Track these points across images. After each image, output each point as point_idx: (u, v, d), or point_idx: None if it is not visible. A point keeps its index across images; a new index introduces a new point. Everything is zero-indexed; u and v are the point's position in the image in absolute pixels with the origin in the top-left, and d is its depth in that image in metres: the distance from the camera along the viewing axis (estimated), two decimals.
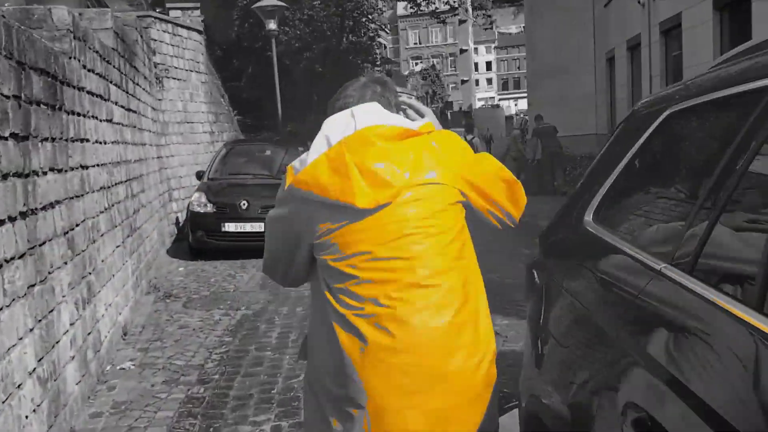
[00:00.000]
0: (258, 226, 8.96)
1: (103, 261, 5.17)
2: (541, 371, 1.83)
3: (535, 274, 2.07)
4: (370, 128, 1.60)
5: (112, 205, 5.80)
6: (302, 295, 7.00)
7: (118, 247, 5.88)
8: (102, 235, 5.23)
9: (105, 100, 5.73)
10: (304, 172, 1.62)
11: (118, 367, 4.96)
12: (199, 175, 10.19)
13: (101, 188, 5.32)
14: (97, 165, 5.24)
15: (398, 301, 1.53)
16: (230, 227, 9.00)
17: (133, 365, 5.00)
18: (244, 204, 9.05)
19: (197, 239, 9.11)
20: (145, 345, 5.51)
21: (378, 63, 29.74)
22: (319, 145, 1.63)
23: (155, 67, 10.02)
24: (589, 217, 1.82)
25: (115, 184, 6.01)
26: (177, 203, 10.79)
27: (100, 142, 5.42)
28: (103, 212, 5.32)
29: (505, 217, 1.77)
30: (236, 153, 10.76)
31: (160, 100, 10.12)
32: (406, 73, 60.15)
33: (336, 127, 1.63)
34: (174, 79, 10.82)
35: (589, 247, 1.73)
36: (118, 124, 6.34)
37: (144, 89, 8.49)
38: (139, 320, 6.24)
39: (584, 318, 1.58)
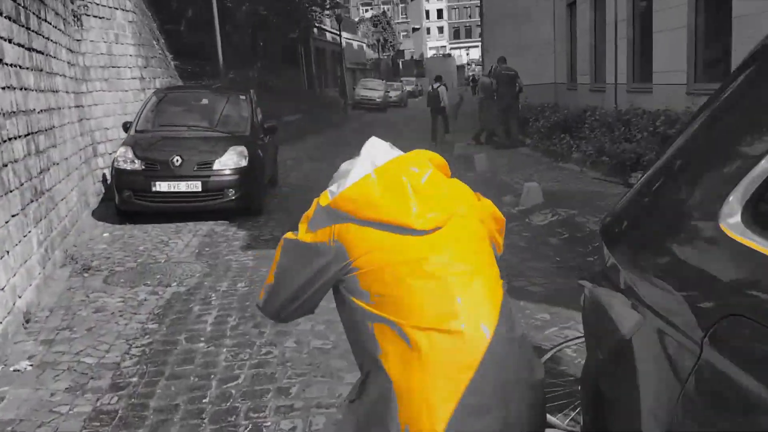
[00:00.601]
0: (194, 185, 7.96)
1: None
2: None
3: (613, 306, 1.22)
4: (423, 151, 1.63)
5: (4, 165, 4.72)
6: (244, 266, 6.11)
7: (14, 216, 4.83)
8: None
9: None
10: (348, 191, 1.54)
11: (11, 369, 4.00)
12: (126, 127, 9.00)
13: None
14: None
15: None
16: (162, 186, 7.91)
17: (31, 365, 4.04)
18: (177, 160, 7.96)
19: (124, 200, 8.01)
20: (50, 335, 4.54)
21: (327, 6, 28.20)
22: (363, 167, 1.59)
23: (72, 2, 8.67)
24: (734, 218, 0.97)
25: (9, 139, 4.92)
26: (103, 158, 9.59)
27: None
28: None
29: (498, 251, 1.76)
30: (169, 101, 9.55)
31: (78, 41, 8.81)
32: (357, 19, 58.17)
33: (380, 149, 1.63)
34: (95, 17, 9.45)
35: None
36: (12, 65, 5.19)
37: (56, 27, 7.24)
38: (47, 301, 5.24)
39: None
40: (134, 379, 3.80)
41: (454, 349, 1.43)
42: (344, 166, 1.66)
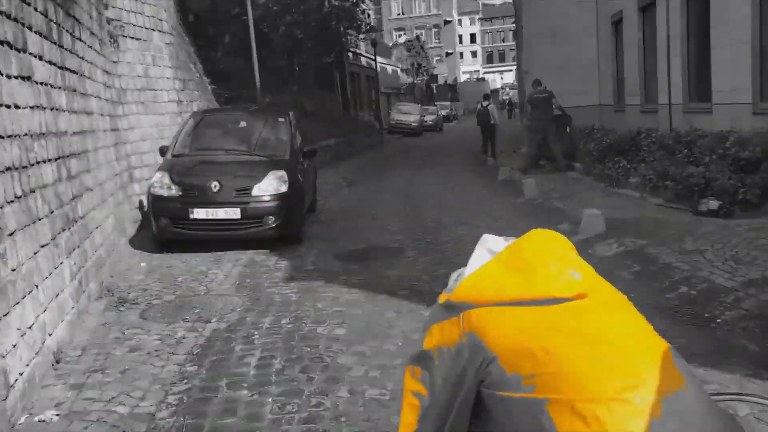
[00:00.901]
0: (233, 212, 7.58)
1: (13, 270, 3.77)
2: None
3: None
4: (542, 230, 1.47)
5: (32, 191, 4.37)
6: (288, 300, 5.67)
7: (44, 246, 4.47)
8: (11, 235, 3.82)
9: (18, 50, 4.27)
10: (468, 279, 1.39)
11: (36, 419, 3.59)
12: (163, 151, 8.71)
13: (7, 169, 3.89)
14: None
15: None
16: (200, 213, 7.56)
17: (58, 415, 3.62)
18: (215, 186, 7.61)
19: (161, 228, 7.66)
20: (81, 379, 4.13)
21: (363, 30, 28.11)
22: (479, 257, 1.46)
23: (108, 23, 8.47)
24: None
25: (37, 162, 4.58)
26: (140, 184, 9.30)
27: (6, 106, 3.97)
28: (12, 202, 3.90)
29: None
30: (206, 124, 9.25)
31: (115, 62, 8.59)
32: (390, 44, 58.30)
33: (495, 240, 1.50)
34: (132, 38, 9.25)
35: None
36: (42, 84, 4.88)
37: (90, 47, 6.98)
38: (80, 339, 4.86)
39: None
40: None
41: (637, 417, 1.21)
42: (454, 274, 1.53)
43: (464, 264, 1.47)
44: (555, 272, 1.34)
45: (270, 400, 3.70)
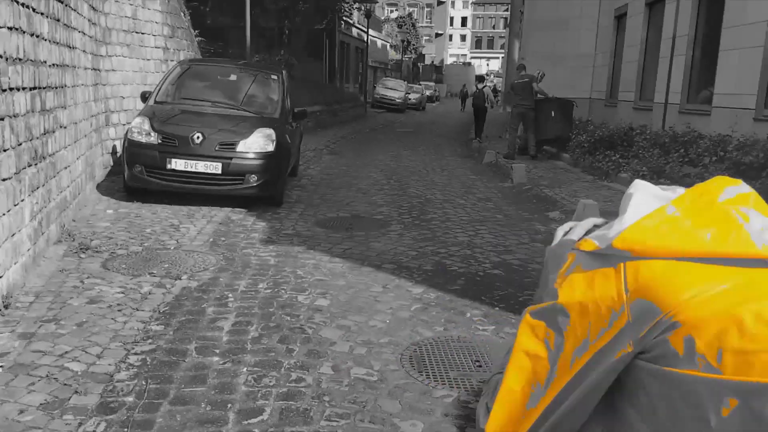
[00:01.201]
0: (214, 167, 7.14)
1: None
2: None
3: None
4: (723, 177, 1.12)
5: (0, 119, 3.92)
6: (265, 263, 5.29)
7: (5, 180, 4.03)
8: None
9: None
10: (642, 222, 1.01)
11: None
12: (145, 97, 8.20)
13: None
14: None
15: None
16: (178, 164, 7.09)
17: (1, 367, 3.22)
18: (198, 137, 7.14)
19: (134, 176, 7.19)
20: (31, 328, 3.72)
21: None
22: (644, 202, 1.08)
23: None
24: None
25: (10, 89, 4.11)
26: (116, 129, 8.81)
27: None
28: None
29: None
30: (193, 74, 8.73)
31: None
32: (382, 18, 57.42)
33: (654, 187, 1.14)
34: None
35: None
36: (23, 5, 4.39)
37: None
38: (34, 284, 4.43)
39: None
40: (130, 399, 2.98)
41: None
42: (560, 229, 1.22)
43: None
44: (759, 228, 1.03)
45: (244, 370, 3.34)
